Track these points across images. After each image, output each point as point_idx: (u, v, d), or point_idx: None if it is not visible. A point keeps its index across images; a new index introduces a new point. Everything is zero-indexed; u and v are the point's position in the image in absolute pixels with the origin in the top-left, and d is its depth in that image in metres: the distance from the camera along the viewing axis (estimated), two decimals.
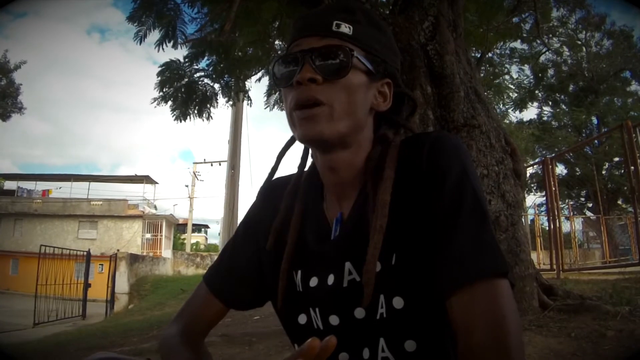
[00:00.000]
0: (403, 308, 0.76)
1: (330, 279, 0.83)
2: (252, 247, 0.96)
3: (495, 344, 0.63)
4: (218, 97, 7.71)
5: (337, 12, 0.83)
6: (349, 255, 0.82)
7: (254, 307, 0.98)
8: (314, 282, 0.86)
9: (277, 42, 7.31)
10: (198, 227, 41.98)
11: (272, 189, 0.99)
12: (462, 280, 0.69)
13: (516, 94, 19.48)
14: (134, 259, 21.15)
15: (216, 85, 7.62)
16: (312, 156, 0.91)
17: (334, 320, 0.83)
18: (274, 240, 0.90)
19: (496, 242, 0.72)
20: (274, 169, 0.97)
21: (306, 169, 0.96)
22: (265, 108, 8.37)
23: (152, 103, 7.26)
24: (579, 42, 21.25)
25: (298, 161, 0.97)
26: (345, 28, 0.81)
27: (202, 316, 0.96)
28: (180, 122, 7.52)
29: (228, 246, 1.01)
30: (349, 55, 0.79)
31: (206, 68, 7.42)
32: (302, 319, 0.88)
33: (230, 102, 8.12)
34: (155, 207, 30.90)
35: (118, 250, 20.40)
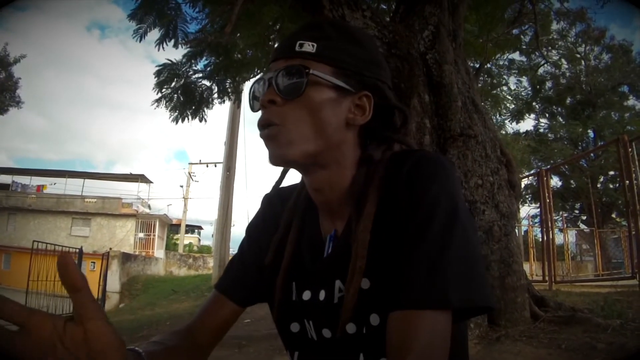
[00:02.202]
0: (379, 325, 0.77)
1: (322, 295, 0.85)
2: (254, 254, 0.98)
3: None
4: (214, 98, 7.74)
5: (303, 31, 0.85)
6: (339, 274, 0.83)
7: (258, 303, 1.00)
8: (307, 295, 0.88)
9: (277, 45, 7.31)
10: (192, 228, 41.82)
11: (274, 199, 1.02)
12: (401, 305, 0.69)
13: (513, 105, 19.60)
14: (126, 258, 21.09)
15: (213, 86, 7.65)
16: None
17: (326, 333, 0.85)
18: (273, 255, 0.92)
19: (460, 273, 0.69)
20: (278, 183, 1.00)
21: None
22: None
23: (152, 105, 7.29)
24: (578, 56, 21.36)
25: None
26: (308, 46, 0.81)
27: (208, 316, 0.95)
28: (177, 123, 7.56)
29: (235, 255, 1.04)
30: (303, 73, 0.79)
31: (203, 69, 7.44)
32: (294, 327, 0.90)
33: (225, 102, 8.14)
34: (149, 207, 30.84)
35: (110, 248, 20.33)
